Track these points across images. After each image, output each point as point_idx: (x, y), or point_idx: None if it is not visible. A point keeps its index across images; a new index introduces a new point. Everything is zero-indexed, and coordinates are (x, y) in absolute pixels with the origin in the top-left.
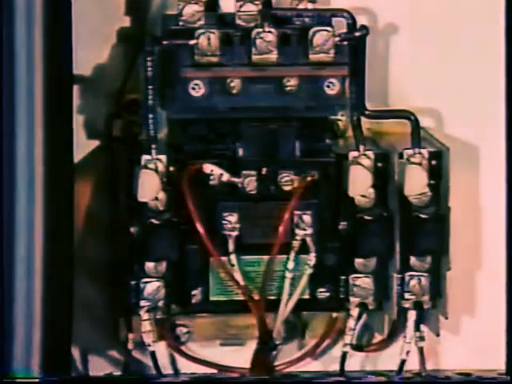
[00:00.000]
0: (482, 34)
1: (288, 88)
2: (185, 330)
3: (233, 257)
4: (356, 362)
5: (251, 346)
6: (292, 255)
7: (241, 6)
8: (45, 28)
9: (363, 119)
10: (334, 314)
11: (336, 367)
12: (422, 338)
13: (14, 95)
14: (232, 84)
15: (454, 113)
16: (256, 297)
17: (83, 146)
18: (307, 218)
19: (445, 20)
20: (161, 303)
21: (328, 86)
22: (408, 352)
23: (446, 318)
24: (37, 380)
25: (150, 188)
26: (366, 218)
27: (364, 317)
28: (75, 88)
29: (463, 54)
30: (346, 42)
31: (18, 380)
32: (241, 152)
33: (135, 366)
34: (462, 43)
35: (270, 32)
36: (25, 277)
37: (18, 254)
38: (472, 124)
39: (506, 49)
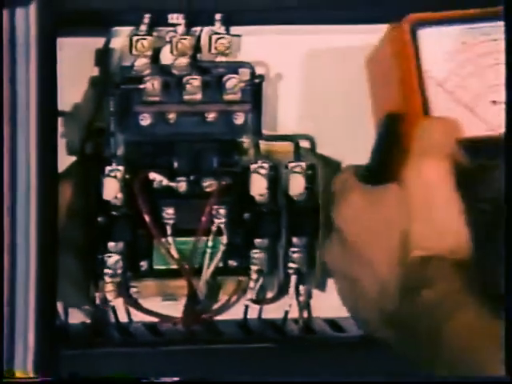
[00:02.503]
0: (346, 86)
1: (209, 119)
2: (135, 290)
3: (170, 239)
4: (254, 312)
5: (182, 301)
6: (211, 237)
7: (175, 60)
8: (38, 76)
9: (261, 141)
10: (240, 278)
11: (241, 315)
12: (300, 295)
13: (16, 123)
14: (169, 116)
15: (323, 138)
16: (186, 266)
17: (65, 160)
18: (222, 211)
19: (316, 72)
20: (119, 271)
21: (236, 118)
22: (290, 305)
23: (317, 280)
24: (36, 380)
25: (111, 190)
26: (263, 210)
27: (261, 280)
28: (59, 119)
29: (331, 97)
30: (248, 86)
31: (18, 380)
32: (176, 164)
33: (101, 315)
34: (331, 89)
35: (196, 79)
36: (24, 261)
37: (18, 241)
38: (336, 145)
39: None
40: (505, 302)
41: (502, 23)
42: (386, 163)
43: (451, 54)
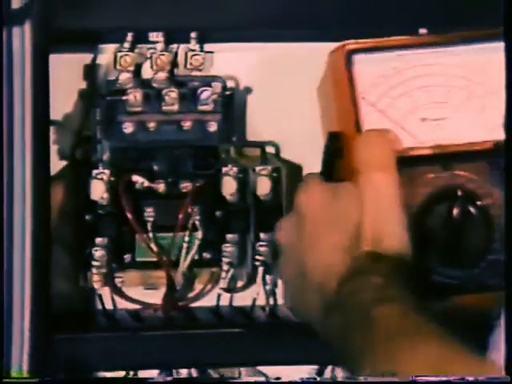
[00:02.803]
0: (308, 97)
1: (185, 127)
2: (120, 280)
3: (150, 234)
4: (226, 300)
5: (162, 290)
6: (187, 233)
7: (155, 74)
8: (33, 88)
9: (231, 147)
10: (213, 269)
11: (214, 303)
12: (266, 284)
13: (13, 131)
14: (150, 125)
15: (286, 144)
16: (165, 258)
17: (57, 164)
18: (197, 210)
19: (280, 84)
20: (105, 263)
21: (209, 126)
22: (258, 293)
23: (281, 270)
24: (36, 380)
25: (98, 191)
26: (233, 209)
27: (231, 271)
28: (52, 128)
29: (294, 108)
30: (220, 98)
31: (18, 380)
32: (155, 168)
33: (90, 302)
34: (294, 100)
35: (173, 91)
36: (20, 255)
37: (15, 237)
38: (298, 151)
39: None
40: (505, 302)
41: (431, 49)
42: (333, 174)
43: (383, 77)
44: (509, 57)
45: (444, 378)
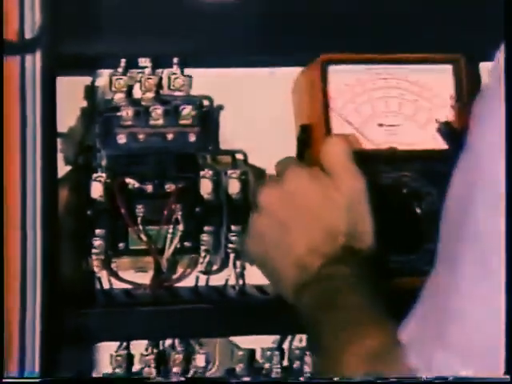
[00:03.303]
0: (271, 113)
1: (169, 138)
2: (115, 264)
3: (140, 227)
4: (203, 281)
5: (150, 273)
6: (171, 225)
7: (143, 94)
8: (42, 105)
9: (207, 155)
10: (193, 255)
11: (194, 283)
12: (236, 268)
13: (25, 141)
14: (140, 136)
15: (253, 152)
16: (153, 246)
17: (62, 169)
18: (179, 206)
19: (249, 102)
20: (103, 251)
21: (189, 137)
22: (229, 275)
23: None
24: (37, 380)
25: (97, 191)
26: (209, 205)
27: (208, 257)
28: (58, 139)
29: (259, 122)
30: (198, 114)
31: (18, 380)
32: (145, 172)
33: (91, 283)
34: (259, 116)
35: (159, 108)
36: (32, 246)
37: (28, 231)
38: (262, 158)
39: None
40: (506, 302)
41: (391, 66)
42: (305, 161)
43: (350, 86)
44: (508, 57)
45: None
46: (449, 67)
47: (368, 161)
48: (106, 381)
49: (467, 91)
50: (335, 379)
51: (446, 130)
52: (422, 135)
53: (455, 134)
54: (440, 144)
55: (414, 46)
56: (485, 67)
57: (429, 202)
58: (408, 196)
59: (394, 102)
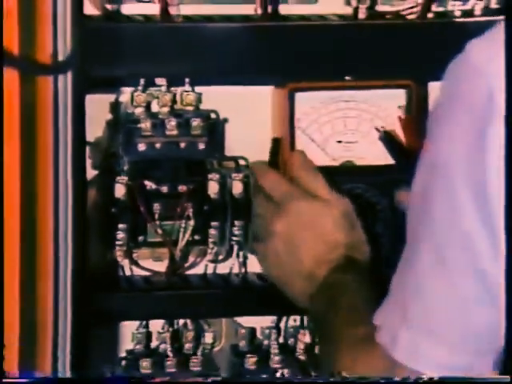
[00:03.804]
0: (267, 123)
1: (182, 147)
2: (136, 254)
3: (157, 222)
4: (211, 269)
5: (166, 262)
6: (183, 221)
7: (160, 108)
8: (73, 119)
9: (215, 161)
10: (202, 247)
11: (203, 271)
12: (239, 257)
13: (58, 149)
14: (157, 145)
15: (253, 158)
16: (168, 239)
17: (90, 173)
18: (190, 205)
19: (249, 115)
20: (125, 243)
21: (199, 146)
22: (233, 264)
23: (250, 247)
24: (38, 380)
25: (120, 191)
26: (216, 204)
27: (215, 248)
28: (87, 147)
29: (258, 131)
30: (206, 126)
31: (18, 380)
32: (161, 175)
33: (115, 270)
34: (258, 126)
35: (173, 121)
36: (64, 240)
37: (60, 227)
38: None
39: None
40: (506, 302)
41: (350, 91)
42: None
43: (314, 109)
44: (509, 59)
45: (442, 376)
46: (402, 91)
47: (326, 174)
48: (106, 381)
49: (416, 107)
50: (335, 379)
51: (387, 137)
52: (375, 151)
53: (395, 141)
54: (391, 159)
55: (371, 73)
56: (433, 86)
57: (380, 210)
58: (362, 204)
59: (352, 122)
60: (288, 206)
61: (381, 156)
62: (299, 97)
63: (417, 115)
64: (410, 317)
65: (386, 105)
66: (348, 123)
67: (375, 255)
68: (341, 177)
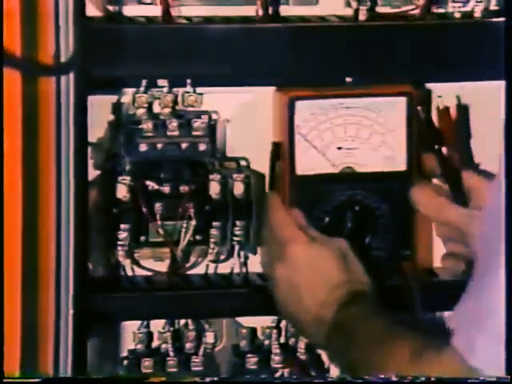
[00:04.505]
0: (268, 124)
1: (183, 147)
2: (137, 254)
3: (159, 222)
4: (212, 269)
5: (167, 262)
6: (185, 221)
7: (162, 109)
8: (75, 120)
9: (216, 161)
10: (203, 247)
11: (204, 271)
12: (240, 257)
13: (60, 149)
14: (158, 146)
15: (254, 159)
16: (169, 239)
17: (92, 173)
18: (191, 205)
19: (249, 116)
20: (127, 242)
21: (200, 147)
22: (234, 264)
23: (251, 248)
24: (37, 380)
25: (122, 191)
26: (217, 204)
27: (216, 248)
28: (89, 148)
29: (259, 132)
30: (207, 126)
31: (18, 380)
32: (162, 175)
33: (117, 270)
34: (259, 127)
35: (174, 122)
36: (65, 239)
37: (62, 226)
38: (262, 164)
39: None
40: (506, 302)
41: (349, 99)
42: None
43: (314, 115)
44: (508, 61)
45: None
46: (402, 98)
47: (325, 180)
48: (107, 381)
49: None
50: (336, 379)
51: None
52: (375, 157)
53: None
54: (391, 164)
55: (372, 74)
56: (430, 87)
57: (378, 216)
58: (360, 211)
59: (352, 128)
60: (287, 250)
61: (381, 162)
62: (299, 104)
63: (419, 122)
64: (486, 328)
65: (386, 111)
66: (348, 130)
67: (374, 280)
68: (341, 183)
